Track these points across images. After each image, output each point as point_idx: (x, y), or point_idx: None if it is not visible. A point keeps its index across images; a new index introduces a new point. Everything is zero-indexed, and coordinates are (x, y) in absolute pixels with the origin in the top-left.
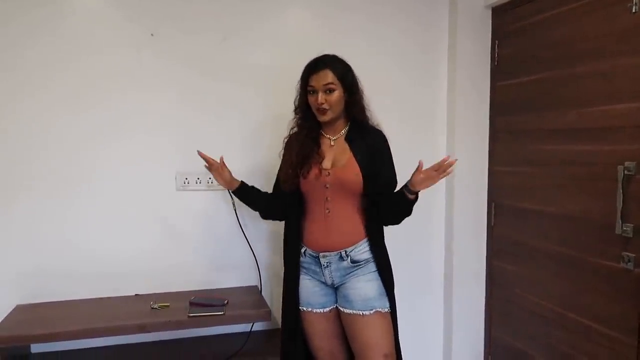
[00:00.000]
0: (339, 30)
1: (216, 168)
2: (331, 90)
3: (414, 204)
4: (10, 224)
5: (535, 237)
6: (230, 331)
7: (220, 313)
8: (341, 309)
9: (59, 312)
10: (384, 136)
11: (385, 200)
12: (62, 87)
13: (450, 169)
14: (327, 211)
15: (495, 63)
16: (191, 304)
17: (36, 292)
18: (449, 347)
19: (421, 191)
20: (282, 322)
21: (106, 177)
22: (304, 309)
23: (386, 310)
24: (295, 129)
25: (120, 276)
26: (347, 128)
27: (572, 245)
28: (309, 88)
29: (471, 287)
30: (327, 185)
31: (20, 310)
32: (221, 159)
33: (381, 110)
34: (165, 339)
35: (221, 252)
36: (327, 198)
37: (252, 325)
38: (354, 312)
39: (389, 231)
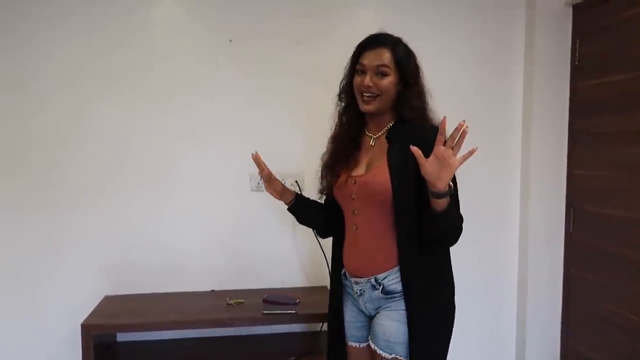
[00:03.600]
0: (410, 29)
1: (265, 176)
2: (384, 74)
3: (449, 216)
4: (100, 219)
5: (619, 244)
6: (300, 330)
7: (292, 312)
8: (370, 341)
9: (143, 304)
10: (433, 130)
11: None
12: (145, 92)
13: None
14: (354, 228)
15: (576, 62)
16: (264, 301)
17: (122, 284)
18: (522, 355)
19: (490, 196)
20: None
21: (186, 178)
22: (349, 343)
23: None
24: (336, 122)
25: (197, 272)
26: (391, 124)
27: None
28: (358, 67)
29: (547, 295)
30: (353, 196)
31: (108, 301)
32: (256, 156)
33: (452, 112)
34: (236, 335)
35: (293, 252)
36: (354, 211)
37: (322, 325)
38: (375, 347)
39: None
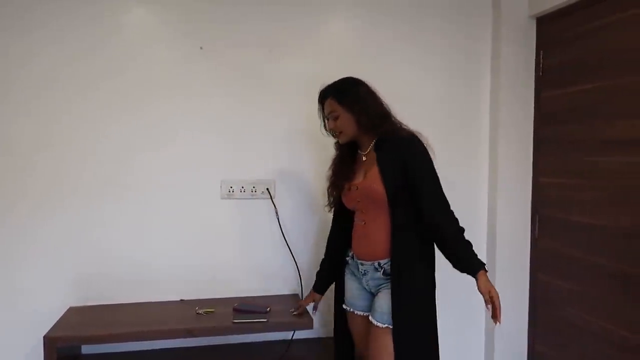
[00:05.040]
0: (381, 40)
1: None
2: (336, 117)
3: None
4: (65, 228)
5: (583, 250)
6: (271, 338)
7: (263, 320)
8: (370, 313)
9: (109, 315)
10: (412, 139)
11: (445, 247)
12: (115, 100)
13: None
14: (363, 223)
15: (540, 73)
16: (235, 310)
17: (88, 295)
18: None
19: (458, 203)
20: (334, 317)
21: (155, 185)
22: (348, 308)
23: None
24: (336, 149)
25: (166, 282)
26: (375, 141)
27: (622, 259)
28: (324, 117)
29: (514, 300)
30: (358, 200)
31: (73, 312)
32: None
33: (422, 119)
34: (207, 344)
35: (264, 260)
36: (362, 210)
37: (294, 334)
38: (372, 319)
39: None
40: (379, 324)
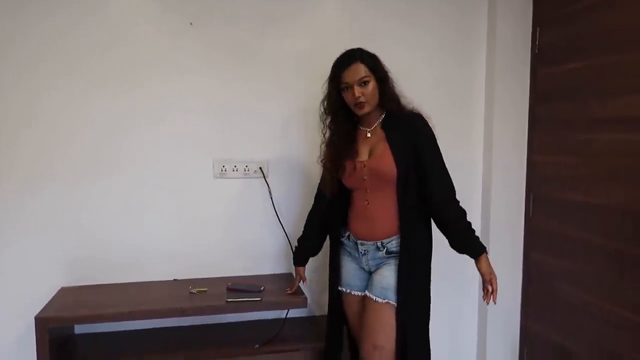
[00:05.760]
0: (375, 18)
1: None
2: (366, 83)
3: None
4: (55, 208)
5: (577, 229)
6: (265, 317)
7: (257, 299)
8: (366, 291)
9: (102, 295)
10: (421, 119)
11: (447, 230)
12: (103, 77)
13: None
14: (366, 203)
15: (537, 51)
16: (228, 289)
17: (80, 276)
18: (484, 338)
19: (457, 182)
20: (328, 300)
21: (147, 164)
22: (343, 289)
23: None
24: (328, 134)
25: (159, 262)
26: (382, 117)
27: (617, 237)
28: (342, 85)
29: (507, 279)
30: (365, 178)
31: (65, 293)
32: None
33: (417, 97)
34: (201, 324)
35: (257, 240)
36: (366, 190)
37: (287, 312)
38: (370, 295)
39: None
40: (378, 299)
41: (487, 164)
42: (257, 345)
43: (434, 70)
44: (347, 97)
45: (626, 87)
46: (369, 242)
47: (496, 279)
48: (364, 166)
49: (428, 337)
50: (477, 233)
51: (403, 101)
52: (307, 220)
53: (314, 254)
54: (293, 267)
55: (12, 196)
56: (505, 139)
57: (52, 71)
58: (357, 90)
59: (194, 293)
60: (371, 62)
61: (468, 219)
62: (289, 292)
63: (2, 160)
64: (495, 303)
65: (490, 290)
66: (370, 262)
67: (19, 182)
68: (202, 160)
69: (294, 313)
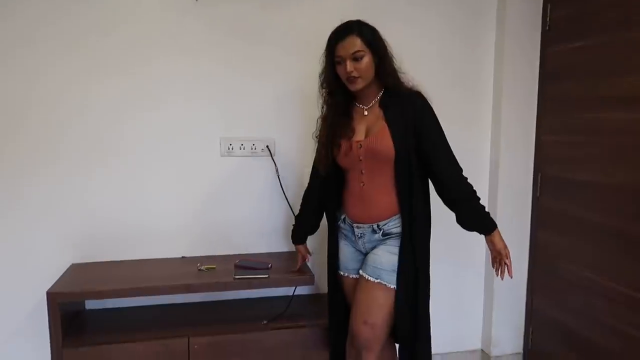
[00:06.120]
0: None
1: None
2: (360, 58)
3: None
4: (66, 186)
5: (585, 208)
6: (272, 294)
7: (264, 276)
8: (360, 270)
9: (112, 271)
10: (421, 98)
11: (457, 208)
12: (109, 55)
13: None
14: (361, 184)
15: (547, 27)
16: (236, 266)
17: (90, 253)
18: (489, 317)
19: (460, 161)
20: (327, 284)
21: (155, 142)
22: (342, 273)
23: (392, 286)
24: (325, 108)
25: (167, 239)
26: (380, 94)
27: (625, 217)
28: (336, 58)
29: (513, 258)
30: (361, 158)
31: (75, 269)
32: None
33: (424, 77)
34: (209, 300)
35: (265, 218)
36: (362, 171)
37: (295, 290)
38: (363, 274)
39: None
40: (371, 278)
41: (495, 143)
42: (265, 322)
43: (441, 48)
44: (340, 71)
45: (637, 65)
46: (365, 225)
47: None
48: (361, 146)
49: (429, 319)
50: None
51: (403, 78)
52: (303, 198)
53: (312, 231)
54: None
55: (23, 177)
56: (513, 118)
57: (54, 50)
58: (350, 65)
59: (202, 270)
60: (369, 35)
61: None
62: (294, 270)
63: (10, 142)
64: (511, 277)
65: (508, 264)
66: (367, 244)
67: (31, 162)
68: (209, 139)
69: (301, 290)
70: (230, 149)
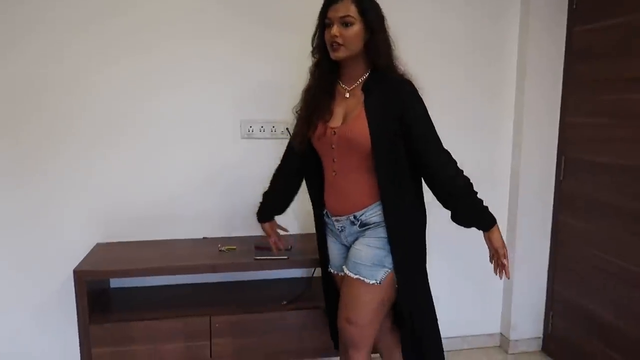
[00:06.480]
0: None
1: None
2: (349, 24)
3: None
4: (91, 167)
5: (609, 191)
6: (292, 275)
7: (284, 257)
8: (343, 266)
9: (136, 251)
10: (410, 85)
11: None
12: (132, 38)
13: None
14: (333, 173)
15: (574, 6)
16: (256, 248)
17: (115, 232)
18: (509, 300)
19: (482, 143)
20: (322, 280)
21: (177, 125)
22: (332, 271)
23: (372, 282)
24: (309, 79)
25: (189, 219)
26: (365, 76)
27: None
28: (326, 21)
29: (535, 242)
30: (333, 146)
31: (101, 248)
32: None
33: (444, 56)
34: (228, 280)
35: None
36: (333, 159)
37: (314, 271)
38: (344, 269)
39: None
40: (350, 273)
41: (517, 124)
42: (284, 302)
43: (462, 26)
44: (326, 34)
45: None
46: (343, 217)
47: (507, 252)
48: (334, 133)
49: (433, 311)
50: (505, 196)
51: (395, 63)
52: (273, 176)
53: (280, 211)
54: None
55: (48, 158)
56: (537, 98)
57: (71, 31)
58: (336, 29)
59: (223, 251)
60: (367, 4)
61: (494, 181)
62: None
63: (34, 122)
64: (508, 278)
65: (505, 264)
66: (348, 237)
67: (58, 144)
68: (230, 121)
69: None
70: (251, 131)
